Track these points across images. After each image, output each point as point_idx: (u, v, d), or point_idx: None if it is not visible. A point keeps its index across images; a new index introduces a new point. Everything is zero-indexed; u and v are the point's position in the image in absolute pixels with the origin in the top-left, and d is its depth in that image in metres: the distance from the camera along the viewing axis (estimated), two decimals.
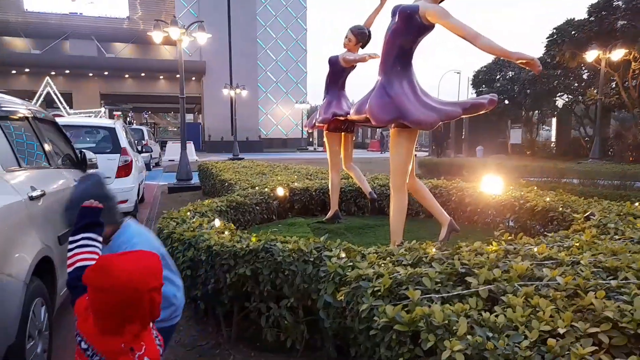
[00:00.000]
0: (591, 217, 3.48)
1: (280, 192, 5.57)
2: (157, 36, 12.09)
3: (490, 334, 1.45)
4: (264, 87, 44.42)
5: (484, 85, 33.34)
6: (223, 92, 31.56)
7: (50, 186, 3.03)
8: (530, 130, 32.99)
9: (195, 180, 11.80)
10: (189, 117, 49.75)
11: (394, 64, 3.17)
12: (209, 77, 38.33)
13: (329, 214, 5.22)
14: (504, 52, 2.85)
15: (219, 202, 4.71)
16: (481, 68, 33.60)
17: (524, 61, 2.81)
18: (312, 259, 2.51)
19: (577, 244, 2.52)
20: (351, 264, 2.34)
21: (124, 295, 1.18)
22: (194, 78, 39.25)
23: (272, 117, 46.12)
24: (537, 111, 32.49)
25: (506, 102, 31.43)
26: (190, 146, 15.41)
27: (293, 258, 2.56)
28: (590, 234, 2.74)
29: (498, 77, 32.46)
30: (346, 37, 4.69)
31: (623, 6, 21.64)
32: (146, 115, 46.87)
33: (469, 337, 1.42)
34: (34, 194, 2.63)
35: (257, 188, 5.74)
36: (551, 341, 1.35)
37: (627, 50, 20.66)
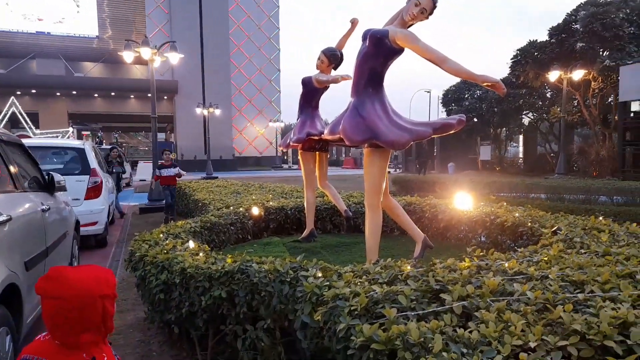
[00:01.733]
0: (558, 231, 3.60)
1: (255, 211, 5.55)
2: (128, 56, 12.00)
3: (465, 350, 1.48)
4: (238, 105, 44.43)
5: (453, 104, 34.33)
6: (196, 111, 31.44)
7: (17, 210, 2.94)
8: (499, 147, 34.04)
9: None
10: (161, 136, 49.09)
11: (366, 86, 3.25)
12: (181, 96, 38.11)
13: (305, 232, 5.22)
14: (470, 75, 2.97)
15: (193, 222, 4.65)
16: (450, 87, 34.64)
17: (489, 84, 2.93)
18: (288, 279, 2.50)
19: (546, 259, 2.61)
20: (328, 283, 2.34)
21: (77, 301, 1.23)
22: (165, 97, 38.95)
23: (246, 135, 46.05)
24: (504, 128, 33.61)
25: (475, 120, 32.40)
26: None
27: (269, 279, 2.55)
28: (557, 248, 2.84)
29: (467, 95, 33.49)
30: (319, 58, 4.77)
31: (581, 29, 22.79)
32: (116, 135, 46.03)
33: (444, 354, 1.44)
34: (0, 218, 2.54)
35: (231, 208, 5.69)
36: (522, 355, 1.39)
37: (587, 71, 21.72)
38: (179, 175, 9.49)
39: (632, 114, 21.92)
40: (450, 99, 34.59)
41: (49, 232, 3.59)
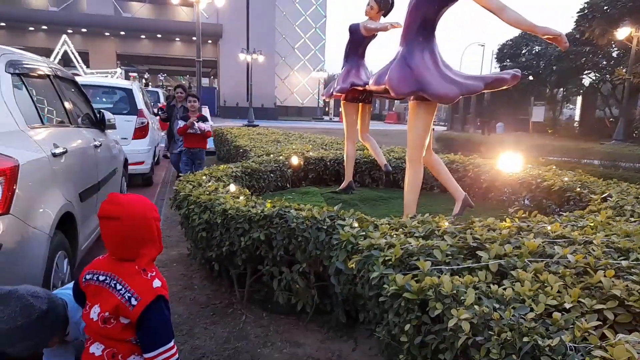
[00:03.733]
0: (608, 198, 3.44)
1: (295, 160, 5.60)
2: None
3: (497, 305, 1.48)
4: (281, 53, 43.84)
5: (508, 60, 32.45)
6: (239, 57, 31.26)
7: (72, 144, 3.10)
8: (553, 109, 32.23)
9: (210, 145, 11.89)
10: (205, 82, 49.58)
11: (417, 35, 3.11)
12: (225, 41, 37.88)
13: (343, 184, 5.24)
14: (531, 26, 2.78)
15: (234, 167, 4.76)
16: (506, 41, 32.63)
17: (551, 36, 2.74)
18: (325, 227, 2.55)
19: (592, 224, 2.52)
20: (363, 233, 2.38)
21: (134, 221, 1.45)
22: (210, 41, 38.84)
23: (288, 84, 45.72)
24: (562, 89, 31.64)
25: (530, 78, 30.62)
26: (206, 111, 15.37)
27: (307, 225, 2.61)
28: (605, 214, 2.73)
29: (524, 51, 31.53)
30: (368, 4, 4.58)
31: None
32: (162, 78, 46.82)
33: (476, 307, 1.45)
34: (57, 151, 2.70)
35: (271, 156, 5.77)
36: (556, 314, 1.38)
37: None
38: (208, 135, 6.26)
39: None
40: (506, 54, 32.66)
41: (101, 167, 3.78)
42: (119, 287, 1.44)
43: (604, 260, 1.87)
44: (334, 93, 4.83)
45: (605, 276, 1.66)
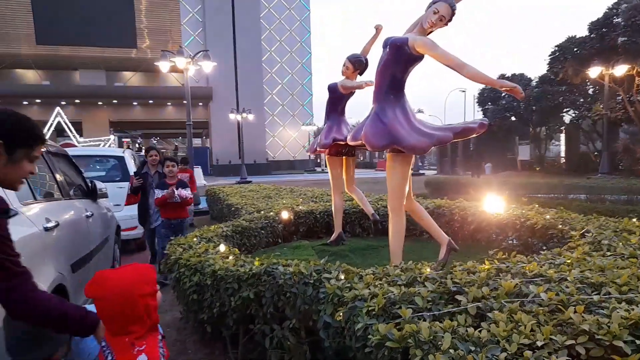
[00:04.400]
0: (586, 234, 3.55)
1: (285, 215, 5.70)
2: (164, 66, 12.50)
3: (473, 348, 1.54)
4: (270, 110, 45.08)
5: (489, 103, 33.56)
6: (230, 117, 32.10)
7: (64, 216, 3.20)
8: (538, 146, 32.99)
9: (204, 204, 11.99)
10: (197, 142, 50.43)
11: (387, 93, 3.33)
12: (215, 102, 39.04)
13: (333, 235, 5.32)
14: (489, 80, 3.00)
15: (225, 227, 4.85)
16: (486, 86, 33.88)
17: (507, 88, 2.95)
18: (312, 281, 2.61)
19: (568, 261, 2.61)
20: (349, 285, 2.44)
21: (119, 301, 1.48)
22: (201, 104, 40.01)
23: (279, 139, 46.63)
24: (544, 127, 32.54)
25: (513, 118, 31.57)
26: (199, 171, 15.63)
27: (294, 280, 2.67)
28: (581, 250, 2.82)
29: (504, 94, 32.64)
30: (344, 65, 4.88)
31: (622, 23, 21.87)
32: (154, 141, 47.57)
33: (451, 351, 1.52)
34: (49, 225, 2.79)
35: (262, 212, 5.87)
36: (527, 353, 1.45)
37: (630, 66, 20.80)
38: (189, 202, 5.58)
39: None
40: (487, 97, 33.83)
41: (93, 237, 3.85)
42: (109, 359, 1.51)
43: (576, 296, 1.95)
44: (318, 148, 5.02)
45: (575, 312, 1.73)
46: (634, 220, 3.96)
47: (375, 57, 4.14)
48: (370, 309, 2.07)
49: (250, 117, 32.13)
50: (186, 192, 5.41)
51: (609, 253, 2.86)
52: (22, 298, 1.47)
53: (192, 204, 6.81)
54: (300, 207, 6.32)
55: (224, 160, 38.94)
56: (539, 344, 1.55)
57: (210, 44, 35.95)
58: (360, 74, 4.93)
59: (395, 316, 2.01)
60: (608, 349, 1.56)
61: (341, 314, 2.26)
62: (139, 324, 1.53)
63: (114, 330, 1.53)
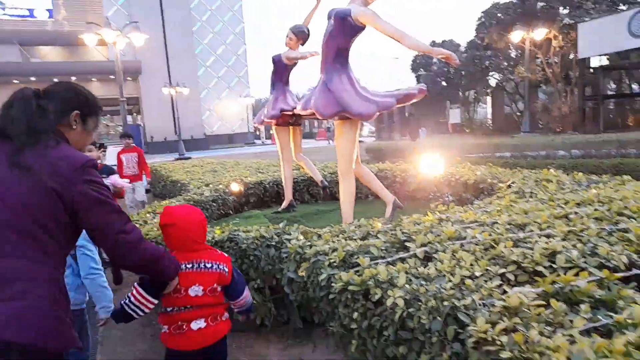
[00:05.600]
0: (512, 185, 3.99)
1: (235, 187, 5.78)
2: (90, 39, 11.75)
3: (424, 282, 1.81)
4: (205, 83, 43.64)
5: (421, 69, 34.72)
6: (163, 91, 30.76)
7: None
8: (467, 110, 34.80)
9: (145, 183, 11.63)
10: (127, 119, 47.93)
11: (333, 62, 3.49)
12: (146, 76, 37.09)
13: (284, 204, 5.49)
14: (427, 49, 3.25)
15: (176, 201, 4.86)
16: (418, 54, 34.87)
17: (444, 56, 3.21)
18: (274, 243, 2.80)
19: (498, 208, 2.97)
20: (309, 243, 2.65)
21: (186, 226, 1.87)
22: (130, 78, 37.80)
23: (216, 113, 45.45)
24: (472, 91, 34.29)
25: (444, 83, 32.94)
26: None
27: (256, 244, 2.83)
28: (508, 199, 3.21)
29: (435, 60, 33.84)
30: (287, 35, 4.95)
31: None
32: None
33: (407, 286, 1.77)
34: None
35: (211, 185, 5.90)
36: (468, 282, 1.73)
37: (548, 30, 22.28)
38: (121, 194, 4.45)
39: (591, 70, 22.76)
40: (419, 64, 34.95)
41: None
42: (209, 265, 1.88)
43: (506, 235, 2.29)
44: (265, 120, 5.11)
45: (505, 247, 2.05)
46: (552, 170, 4.48)
47: (316, 27, 4.26)
48: (331, 261, 2.29)
49: (185, 90, 31.00)
50: (119, 181, 4.11)
51: (531, 199, 3.28)
52: (135, 240, 1.55)
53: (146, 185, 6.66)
54: (250, 178, 6.41)
55: (159, 137, 37.44)
56: (477, 274, 1.84)
57: (136, 15, 33.83)
58: (303, 44, 5.02)
59: (354, 265, 2.24)
60: (532, 274, 1.88)
61: (304, 269, 2.47)
62: (199, 242, 1.91)
63: (183, 249, 1.86)
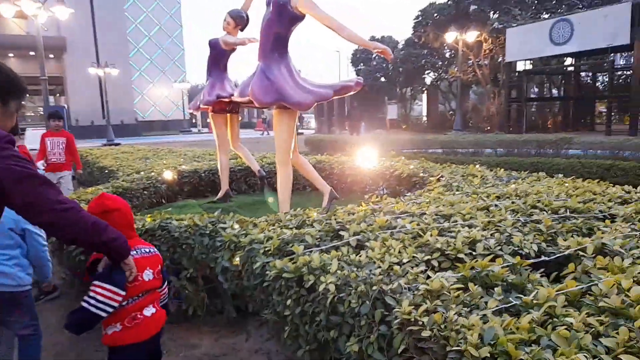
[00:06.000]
0: (441, 178, 4.21)
1: (168, 175, 5.59)
2: (7, 10, 10.74)
3: (355, 269, 1.87)
4: (137, 65, 41.45)
5: (362, 64, 35.30)
6: (90, 71, 28.82)
7: None
8: (404, 106, 35.95)
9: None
10: (49, 100, 44.49)
11: (272, 51, 3.47)
12: (71, 54, 34.54)
13: (220, 193, 5.40)
14: (363, 42, 3.33)
15: (104, 188, 4.63)
16: (358, 47, 35.41)
17: (379, 50, 3.31)
18: (208, 232, 2.75)
19: (427, 200, 3.13)
20: (244, 232, 2.64)
21: (128, 210, 1.85)
22: (52, 56, 35.02)
23: (149, 97, 43.41)
24: (409, 88, 35.46)
25: (382, 79, 33.75)
26: None
27: (189, 232, 2.78)
28: (437, 191, 3.39)
29: (374, 55, 34.53)
30: (225, 20, 4.83)
31: None
32: None
33: (339, 272, 1.83)
34: None
35: (142, 173, 5.67)
36: (396, 267, 1.82)
37: (479, 32, 23.50)
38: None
39: (516, 73, 24.36)
40: (359, 58, 35.49)
41: None
42: (147, 249, 1.86)
43: (432, 224, 2.42)
44: (201, 106, 4.98)
45: (431, 235, 2.17)
46: (477, 166, 4.77)
47: (256, 12, 4.20)
48: (266, 249, 2.30)
49: (114, 72, 29.26)
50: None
51: (457, 192, 3.48)
52: (76, 208, 1.44)
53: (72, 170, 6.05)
54: (184, 166, 6.23)
55: (85, 120, 35.07)
56: (405, 260, 1.94)
57: None
58: (242, 29, 4.93)
59: (289, 253, 2.27)
60: (454, 261, 2.01)
61: (238, 258, 2.46)
62: (133, 229, 1.90)
63: (129, 233, 1.78)
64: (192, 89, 43.70)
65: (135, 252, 1.76)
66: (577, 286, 1.60)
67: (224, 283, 2.61)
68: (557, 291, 1.54)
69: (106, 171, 6.95)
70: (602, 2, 21.74)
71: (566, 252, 2.01)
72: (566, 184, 3.53)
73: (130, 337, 1.74)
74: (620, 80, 25.55)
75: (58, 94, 44.01)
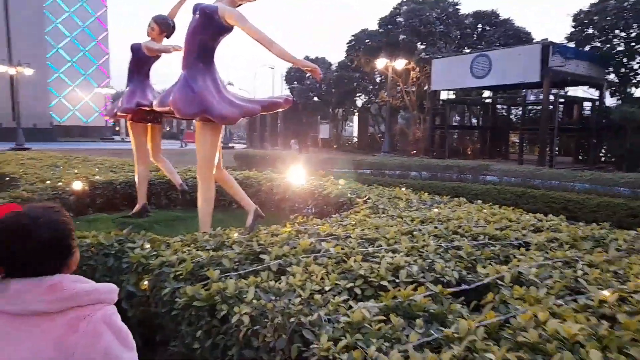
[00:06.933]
0: (367, 200, 4.21)
1: (78, 186, 5.10)
2: None
3: (273, 297, 1.73)
4: (56, 66, 38.65)
5: (295, 82, 35.56)
6: None
7: None
8: (336, 126, 36.61)
9: None
10: None
11: (197, 60, 3.28)
12: None
13: (136, 207, 5.01)
14: (293, 59, 3.25)
15: (0, 199, 4.10)
16: (293, 66, 35.68)
17: (309, 68, 3.25)
18: (113, 252, 2.47)
19: (353, 222, 3.08)
20: (155, 253, 2.40)
21: None
22: None
23: (67, 101, 40.51)
24: (341, 109, 36.24)
25: (315, 98, 34.20)
26: None
27: (92, 252, 2.48)
28: (363, 213, 3.36)
29: (308, 75, 34.95)
30: (149, 26, 4.55)
31: (403, 22, 25.68)
32: None
33: (254, 301, 1.67)
34: None
35: (48, 182, 5.13)
36: (317, 296, 1.70)
37: (407, 61, 24.67)
38: None
39: (440, 102, 25.81)
40: (293, 77, 35.72)
41: None
42: None
43: (357, 249, 2.35)
44: (118, 113, 4.62)
45: (355, 261, 2.09)
46: (403, 189, 4.86)
47: (184, 20, 3.99)
48: (178, 273, 2.09)
49: (28, 71, 26.89)
50: None
51: (383, 215, 3.47)
52: None
53: None
54: (97, 177, 5.74)
55: None
56: (327, 288, 1.83)
57: None
58: (167, 36, 4.67)
59: (203, 278, 2.08)
60: (377, 288, 1.94)
61: (146, 282, 2.22)
62: None
63: None
64: (118, 95, 41.31)
65: None
66: (496, 317, 1.59)
67: (128, 310, 2.34)
68: (477, 323, 1.51)
69: (7, 178, 6.23)
70: (517, 42, 23.83)
71: (485, 281, 2.02)
72: (484, 210, 3.66)
73: None
74: (531, 114, 27.94)
75: None
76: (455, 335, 1.45)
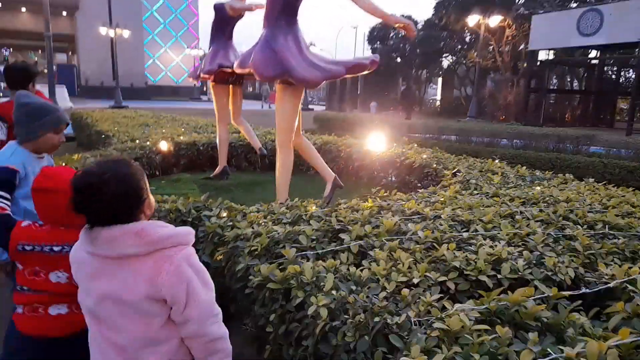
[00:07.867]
0: (457, 173, 3.83)
1: (164, 146, 5.26)
2: None
3: (354, 287, 1.54)
4: (150, 29, 40.64)
5: (378, 42, 34.36)
6: (101, 32, 28.21)
7: None
8: (419, 89, 35.05)
9: (69, 130, 10.65)
10: (62, 58, 44.05)
11: (279, 18, 3.06)
12: (83, 13, 33.92)
13: (217, 169, 5.08)
14: (383, 14, 2.91)
15: (91, 156, 4.30)
16: (376, 25, 34.37)
17: (401, 25, 2.90)
18: (190, 219, 2.43)
19: (442, 199, 2.77)
20: (231, 223, 2.31)
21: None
22: (65, 13, 34.47)
23: (160, 62, 42.71)
24: (425, 70, 34.53)
25: (398, 59, 32.86)
26: (62, 90, 13.49)
27: (170, 218, 2.45)
28: (453, 189, 3.02)
29: (392, 34, 33.55)
30: None
31: None
32: (6, 53, 40.57)
33: (334, 292, 1.49)
34: None
35: (137, 141, 5.34)
36: (405, 291, 1.48)
37: (503, 17, 22.58)
38: None
39: (538, 63, 23.50)
40: (376, 36, 34.49)
41: None
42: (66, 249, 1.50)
43: (449, 233, 2.06)
44: (202, 75, 4.60)
45: (448, 249, 1.82)
46: (497, 161, 4.38)
47: None
48: (252, 248, 1.97)
49: (126, 33, 28.58)
50: None
51: (476, 192, 3.11)
52: None
53: None
54: (182, 137, 5.88)
55: (94, 81, 34.68)
56: (415, 281, 1.60)
57: None
58: None
59: (278, 256, 1.94)
60: (473, 284, 1.67)
61: (221, 254, 2.13)
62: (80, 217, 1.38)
63: (58, 222, 1.48)
64: (205, 56, 42.82)
65: (59, 248, 1.46)
66: (630, 335, 1.26)
67: None
68: (609, 342, 1.20)
69: (103, 136, 6.63)
70: None
71: (612, 284, 1.66)
72: (599, 191, 3.15)
73: (29, 327, 1.47)
74: None
75: (71, 53, 43.56)
76: (581, 358, 1.15)
